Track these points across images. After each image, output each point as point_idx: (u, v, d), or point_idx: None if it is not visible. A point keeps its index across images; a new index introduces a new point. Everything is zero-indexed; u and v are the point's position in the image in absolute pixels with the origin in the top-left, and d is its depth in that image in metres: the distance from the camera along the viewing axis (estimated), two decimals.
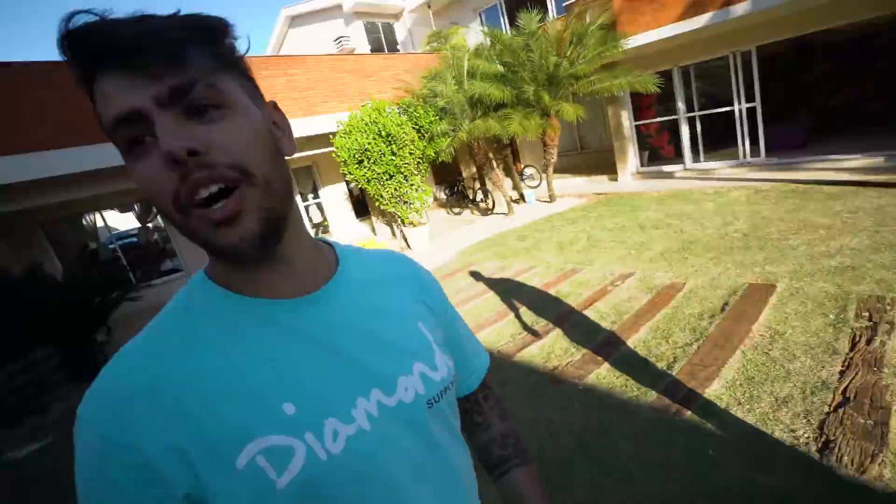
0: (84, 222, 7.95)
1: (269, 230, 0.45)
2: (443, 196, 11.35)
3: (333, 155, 7.30)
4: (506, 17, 11.42)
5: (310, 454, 0.43)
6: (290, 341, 0.48)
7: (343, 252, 0.61)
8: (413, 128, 7.63)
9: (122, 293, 5.45)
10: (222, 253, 0.44)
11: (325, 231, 10.41)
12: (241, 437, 0.42)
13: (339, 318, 0.52)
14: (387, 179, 7.04)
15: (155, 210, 7.99)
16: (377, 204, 7.47)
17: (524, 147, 11.89)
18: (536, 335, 3.46)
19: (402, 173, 7.08)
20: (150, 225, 10.15)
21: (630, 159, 8.78)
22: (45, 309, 4.42)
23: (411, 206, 7.31)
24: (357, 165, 6.99)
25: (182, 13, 0.44)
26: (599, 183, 9.34)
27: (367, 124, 6.92)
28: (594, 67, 7.38)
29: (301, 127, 7.23)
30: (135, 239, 9.83)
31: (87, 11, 0.40)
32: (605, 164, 10.14)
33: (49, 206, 6.24)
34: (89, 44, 0.39)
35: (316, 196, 10.02)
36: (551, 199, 8.62)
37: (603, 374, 2.75)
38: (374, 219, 9.37)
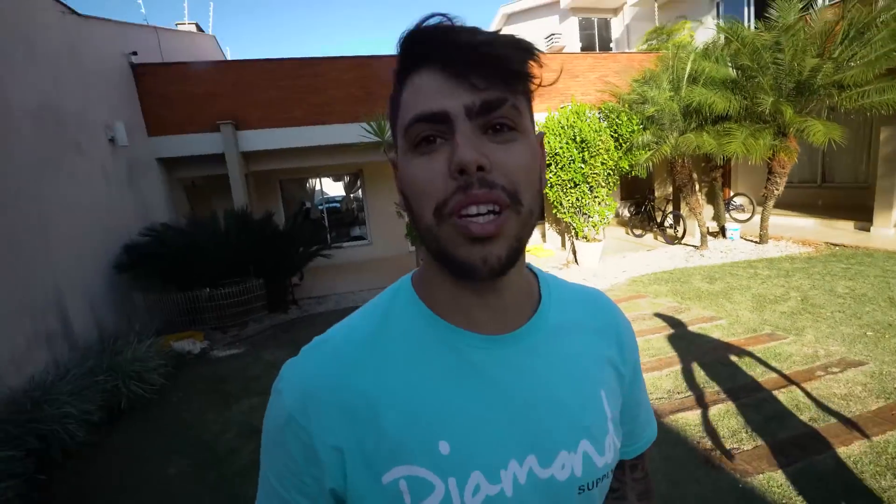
0: (307, 185, 9.73)
1: (511, 259, 0.44)
2: (626, 214, 10.36)
3: None
4: (751, 8, 9.47)
5: (447, 498, 0.44)
6: (472, 378, 0.48)
7: (547, 286, 0.57)
8: (611, 136, 7.12)
9: (319, 248, 6.51)
10: (459, 267, 0.44)
11: None
12: (394, 457, 0.44)
13: (526, 367, 0.50)
14: (571, 188, 6.75)
15: (358, 184, 9.50)
16: (553, 211, 7.25)
17: (739, 171, 10.01)
18: (701, 402, 2.90)
19: (588, 183, 6.70)
20: (351, 195, 11.99)
21: None
22: (268, 249, 5.55)
23: (590, 219, 6.88)
24: None
25: (502, 33, 0.44)
26: (839, 230, 7.35)
27: (562, 127, 6.71)
28: (875, 72, 5.63)
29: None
30: (337, 204, 11.75)
31: (444, 15, 0.43)
32: (854, 207, 7.90)
33: (287, 169, 7.85)
34: (430, 39, 0.42)
35: None
36: (762, 239, 7.15)
37: (778, 483, 2.15)
38: (546, 224, 9.14)
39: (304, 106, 6.77)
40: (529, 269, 0.58)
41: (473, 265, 0.43)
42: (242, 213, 5.58)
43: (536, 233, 10.10)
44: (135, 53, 6.00)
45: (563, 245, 8.50)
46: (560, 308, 0.55)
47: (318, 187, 9.92)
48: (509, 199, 0.42)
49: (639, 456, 0.65)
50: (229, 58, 11.10)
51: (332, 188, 12.71)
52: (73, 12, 5.10)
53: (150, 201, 6.07)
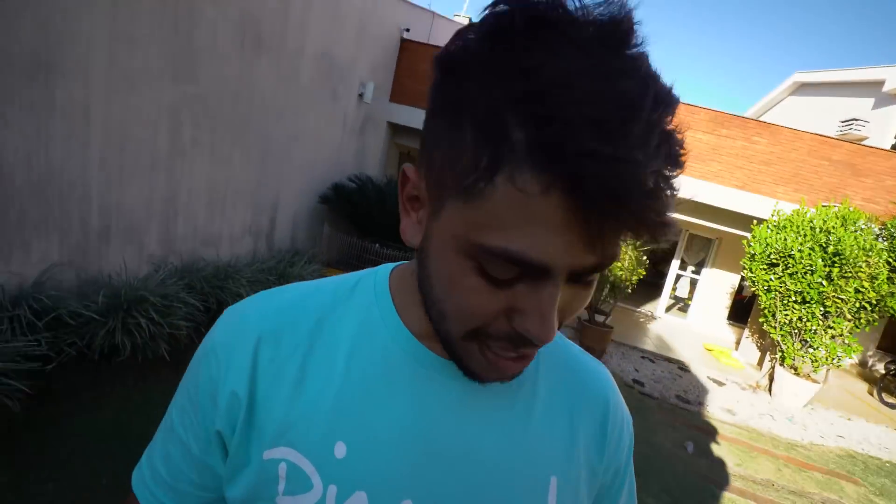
0: None
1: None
2: (879, 369, 7.55)
3: (744, 242, 6.05)
4: None
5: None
6: (410, 391, 0.41)
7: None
8: (887, 262, 5.31)
9: None
10: (466, 370, 0.38)
11: (683, 310, 9.25)
12: (286, 435, 0.40)
13: (471, 403, 0.43)
14: (795, 302, 5.33)
15: None
16: (761, 320, 5.84)
17: None
18: None
19: (825, 307, 5.18)
20: None
21: None
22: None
23: (811, 350, 5.33)
24: (766, 267, 5.55)
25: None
26: None
27: (812, 229, 5.33)
28: None
29: (729, 198, 6.32)
30: None
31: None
32: None
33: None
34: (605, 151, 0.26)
35: (697, 272, 8.84)
36: None
37: None
38: (746, 331, 7.43)
39: None
40: None
41: (484, 379, 0.38)
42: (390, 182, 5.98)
43: (730, 334, 8.41)
44: (407, 30, 6.84)
45: (760, 364, 6.83)
46: (541, 361, 0.48)
47: None
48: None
49: None
50: None
51: None
52: None
53: (368, 155, 6.91)
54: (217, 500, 0.45)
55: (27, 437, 2.07)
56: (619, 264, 5.54)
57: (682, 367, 6.11)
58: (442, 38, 8.61)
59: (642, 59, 0.28)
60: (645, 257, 5.72)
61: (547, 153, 0.26)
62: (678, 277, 9.15)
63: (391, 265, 0.47)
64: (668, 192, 0.28)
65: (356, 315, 0.43)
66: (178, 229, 3.72)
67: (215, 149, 3.92)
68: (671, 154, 0.27)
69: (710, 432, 4.17)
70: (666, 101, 0.27)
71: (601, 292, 5.82)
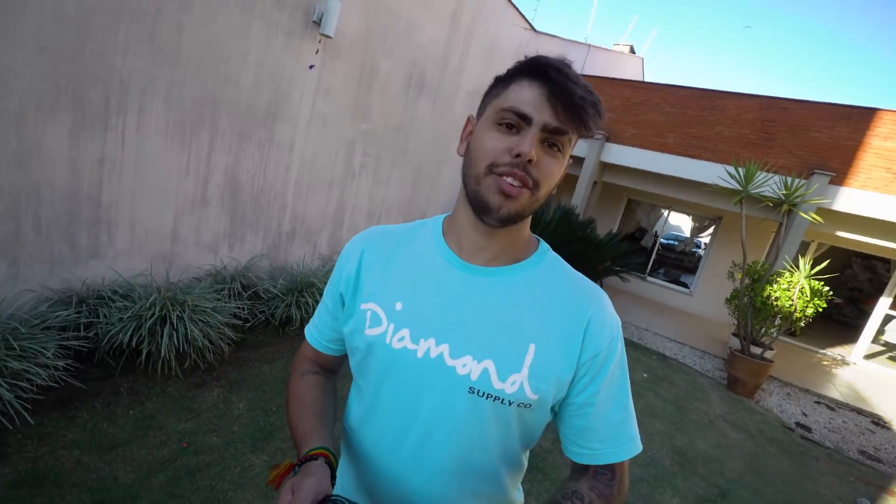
0: (657, 212, 9.24)
1: (517, 217, 0.65)
2: None
3: None
4: None
5: (385, 332, 0.69)
6: (442, 279, 0.70)
7: (542, 255, 0.74)
8: None
9: (621, 269, 6.26)
10: (485, 206, 0.64)
11: (895, 359, 7.29)
12: (373, 296, 0.72)
13: (482, 292, 0.68)
14: None
15: (711, 231, 8.34)
16: None
17: None
18: None
19: None
20: (695, 240, 10.63)
21: None
22: (576, 248, 5.78)
23: None
24: None
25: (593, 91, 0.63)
26: None
27: None
28: None
29: None
30: (675, 242, 10.66)
31: (566, 63, 0.63)
32: None
33: (640, 190, 7.71)
34: (556, 70, 0.60)
35: None
36: None
37: None
38: None
39: (682, 135, 6.39)
40: (538, 241, 0.76)
41: (494, 207, 0.62)
42: (568, 211, 5.98)
43: None
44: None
45: None
46: (541, 275, 0.70)
47: (667, 218, 9.29)
48: (533, 186, 0.62)
49: (606, 467, 0.68)
50: (647, 79, 11.40)
51: (684, 224, 11.61)
52: (532, 29, 6.52)
53: None
54: (334, 338, 0.81)
55: (230, 370, 2.97)
56: (785, 291, 4.77)
57: (879, 423, 4.87)
58: (595, 68, 8.63)
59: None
60: (827, 288, 4.78)
61: (532, 72, 0.61)
62: (888, 319, 7.23)
63: (445, 214, 0.79)
64: (593, 100, 0.60)
65: (421, 238, 0.75)
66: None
67: (378, 171, 4.81)
68: (591, 93, 0.61)
69: None
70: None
71: (756, 320, 5.07)
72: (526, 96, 0.61)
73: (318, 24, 3.60)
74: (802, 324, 4.87)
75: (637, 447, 0.70)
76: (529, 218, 0.70)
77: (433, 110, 5.24)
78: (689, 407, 4.14)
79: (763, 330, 5.17)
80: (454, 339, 0.66)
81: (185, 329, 2.66)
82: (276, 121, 3.61)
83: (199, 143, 3.17)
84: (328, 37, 3.65)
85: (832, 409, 5.00)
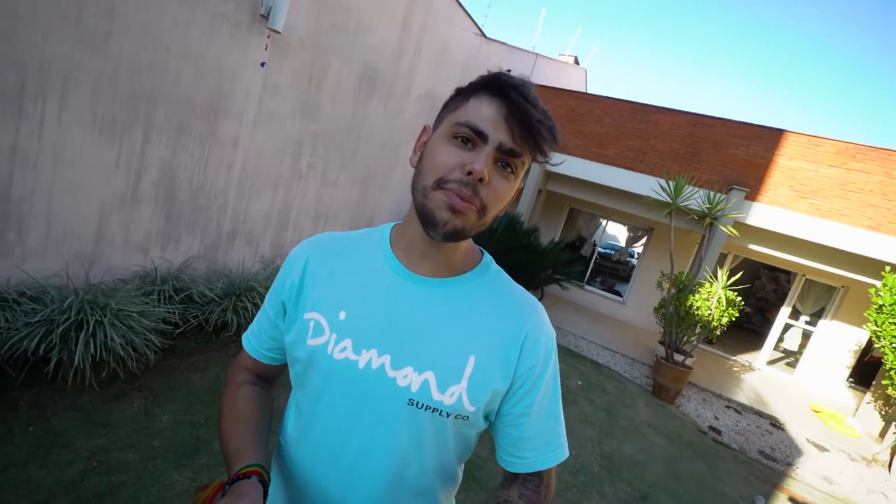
0: (595, 222, 9.71)
1: (461, 235, 0.64)
2: None
3: (871, 290, 5.25)
4: None
5: (327, 342, 0.68)
6: (386, 290, 0.70)
7: (484, 270, 0.75)
8: None
9: (561, 277, 6.52)
10: (431, 221, 0.63)
11: (792, 365, 8.11)
12: (316, 305, 0.71)
13: (425, 303, 0.69)
14: None
15: (643, 241, 8.92)
16: (885, 382, 4.99)
17: None
18: None
19: None
20: (629, 249, 11.32)
21: None
22: (521, 256, 5.94)
23: None
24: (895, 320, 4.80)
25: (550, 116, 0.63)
26: None
27: None
28: None
29: (857, 240, 5.57)
30: (612, 252, 11.30)
31: (526, 82, 0.63)
32: None
33: (581, 200, 8.07)
34: (516, 89, 0.61)
35: (813, 323, 7.72)
36: None
37: None
38: (868, 396, 6.28)
39: (621, 147, 6.75)
40: (482, 253, 0.78)
41: (440, 222, 0.62)
42: (514, 219, 6.16)
43: (849, 398, 7.17)
44: (509, 71, 7.29)
45: (882, 435, 5.76)
46: (483, 287, 0.72)
47: (605, 228, 9.78)
48: (480, 207, 0.62)
49: (534, 474, 0.72)
50: (590, 90, 11.95)
51: (620, 234, 12.28)
52: (483, 34, 6.63)
53: None
54: (274, 347, 0.80)
55: (155, 380, 2.79)
56: (705, 301, 5.19)
57: (776, 424, 5.41)
58: (543, 77, 8.93)
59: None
60: (739, 298, 5.24)
61: (493, 89, 0.62)
62: (787, 327, 8.04)
63: (394, 223, 0.80)
64: (550, 125, 0.61)
65: (368, 246, 0.75)
66: (287, 237, 4.52)
67: (326, 173, 4.70)
68: (549, 117, 0.62)
69: (794, 495, 3.71)
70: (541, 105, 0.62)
71: (679, 328, 5.47)
72: (484, 113, 0.61)
73: (265, 17, 3.46)
74: (718, 332, 5.32)
75: (565, 453, 0.73)
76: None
77: (384, 112, 5.21)
78: (618, 413, 4.40)
79: (685, 338, 5.58)
80: (396, 349, 0.66)
81: (105, 335, 2.48)
82: (218, 117, 3.44)
83: (132, 137, 2.95)
84: (277, 31, 3.53)
85: (739, 413, 5.49)
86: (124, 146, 2.93)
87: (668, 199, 5.57)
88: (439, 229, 0.62)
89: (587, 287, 8.97)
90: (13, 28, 2.29)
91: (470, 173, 0.59)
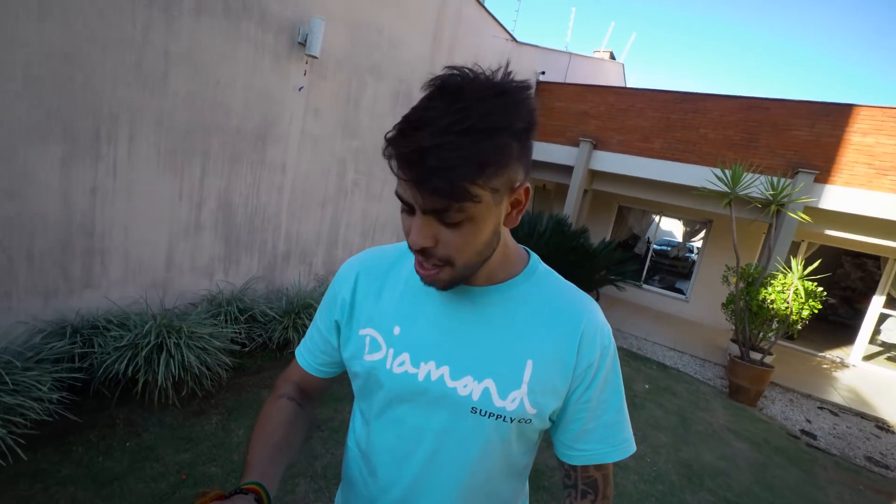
0: (648, 218, 9.31)
1: (454, 284, 0.63)
2: None
3: None
4: None
5: (385, 358, 0.69)
6: (437, 303, 0.69)
7: (532, 272, 0.72)
8: None
9: (616, 278, 6.27)
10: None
11: (895, 360, 7.32)
12: (371, 321, 0.72)
13: (477, 312, 0.68)
14: None
15: (702, 234, 8.41)
16: None
17: None
18: None
19: None
20: (688, 244, 10.72)
21: None
22: (571, 258, 5.80)
23: None
24: None
25: (506, 91, 0.53)
26: None
27: None
28: None
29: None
30: (668, 248, 10.74)
31: (459, 72, 0.54)
32: None
33: (630, 197, 7.79)
34: (395, 145, 0.52)
35: None
36: None
37: None
38: None
39: (667, 139, 6.46)
40: (529, 254, 0.74)
41: (427, 282, 0.62)
42: (561, 221, 6.02)
43: None
44: (543, 73, 7.23)
45: None
46: (534, 289, 0.69)
47: (659, 224, 9.35)
48: (443, 263, 0.59)
49: (590, 485, 0.71)
50: (629, 84, 11.62)
51: (675, 229, 11.72)
52: (513, 39, 6.62)
53: None
54: (326, 362, 0.81)
55: (228, 397, 2.91)
56: (780, 294, 4.79)
57: (883, 427, 4.86)
58: (578, 75, 8.77)
59: (457, 100, 0.50)
60: (821, 288, 4.80)
61: (393, 153, 0.52)
62: (883, 318, 7.26)
63: None
64: (433, 162, 0.48)
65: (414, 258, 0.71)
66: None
67: (370, 188, 4.81)
68: (430, 132, 0.49)
69: None
70: (453, 125, 0.48)
71: (753, 324, 5.07)
72: (402, 181, 0.53)
73: (303, 45, 3.62)
74: (799, 326, 4.89)
75: (631, 447, 0.71)
76: (506, 238, 0.68)
77: None
78: (692, 417, 4.12)
79: (761, 334, 5.18)
80: (454, 360, 0.66)
81: (182, 356, 2.62)
82: (266, 142, 3.61)
83: (191, 168, 3.16)
84: (314, 57, 3.67)
85: (835, 415, 4.99)
86: (185, 178, 3.14)
87: (726, 189, 5.23)
88: (436, 285, 0.63)
89: (645, 286, 8.58)
90: (88, 79, 2.52)
91: (410, 244, 0.58)
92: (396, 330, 0.69)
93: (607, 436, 0.70)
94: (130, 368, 2.49)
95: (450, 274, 0.60)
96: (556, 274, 0.74)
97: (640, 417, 3.84)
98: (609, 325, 0.72)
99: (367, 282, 0.74)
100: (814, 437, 4.30)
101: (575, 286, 0.74)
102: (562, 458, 0.73)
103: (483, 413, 0.65)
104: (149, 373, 2.53)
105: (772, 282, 4.94)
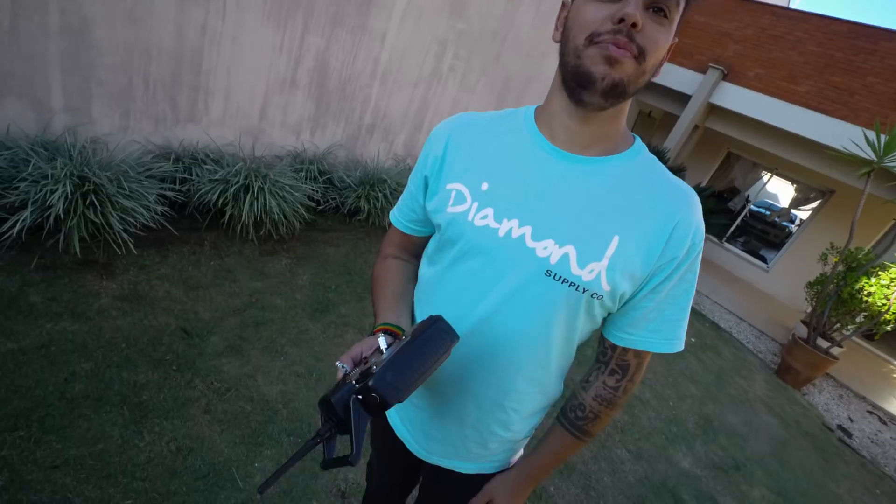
0: (759, 173, 8.28)
1: (620, 89, 0.60)
2: None
3: None
4: None
5: (468, 210, 0.70)
6: (530, 163, 0.69)
7: (637, 152, 0.70)
8: None
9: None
10: (587, 79, 0.60)
11: None
12: (459, 176, 0.73)
13: (571, 179, 0.67)
14: None
15: (816, 205, 7.37)
16: None
17: None
18: None
19: None
20: (789, 211, 9.54)
21: None
22: None
23: None
24: None
25: None
26: None
27: None
28: None
29: None
30: (767, 212, 9.64)
31: None
32: None
33: (745, 144, 6.87)
34: None
35: None
36: None
37: None
38: None
39: (819, 83, 5.41)
40: (634, 137, 0.72)
41: (598, 77, 0.58)
42: (660, 152, 5.54)
43: None
44: None
45: None
46: (634, 170, 0.67)
47: (766, 183, 8.32)
48: (638, 53, 0.57)
49: (621, 366, 0.74)
50: (792, 6, 9.54)
51: (783, 193, 10.42)
52: None
53: None
54: (416, 219, 0.85)
55: (299, 246, 3.24)
56: (883, 288, 4.29)
57: None
58: None
59: None
60: None
61: None
62: None
63: (536, 105, 0.77)
64: None
65: (511, 124, 0.74)
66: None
67: (466, 77, 4.60)
68: None
69: None
70: None
71: (835, 312, 4.65)
72: None
73: None
74: (889, 328, 4.42)
75: (680, 345, 0.71)
76: (626, 109, 0.67)
77: (535, 18, 4.78)
78: (729, 381, 4.05)
79: (839, 324, 4.76)
80: (538, 221, 0.66)
81: (265, 199, 2.89)
82: (370, 8, 3.48)
83: (294, 23, 3.15)
84: None
85: (884, 423, 4.69)
86: (287, 32, 3.15)
87: (872, 157, 4.37)
88: (597, 84, 0.59)
89: (726, 245, 7.95)
90: None
91: (622, 20, 0.55)
92: (484, 186, 0.70)
93: (662, 329, 0.70)
94: (220, 200, 2.80)
95: (632, 69, 0.58)
96: (660, 163, 0.71)
97: (677, 366, 3.84)
98: (704, 225, 0.68)
99: (461, 140, 0.75)
100: (849, 434, 4.12)
101: (679, 178, 0.70)
102: (607, 336, 0.74)
103: (557, 278, 0.65)
104: (235, 208, 2.83)
105: (879, 272, 4.39)
